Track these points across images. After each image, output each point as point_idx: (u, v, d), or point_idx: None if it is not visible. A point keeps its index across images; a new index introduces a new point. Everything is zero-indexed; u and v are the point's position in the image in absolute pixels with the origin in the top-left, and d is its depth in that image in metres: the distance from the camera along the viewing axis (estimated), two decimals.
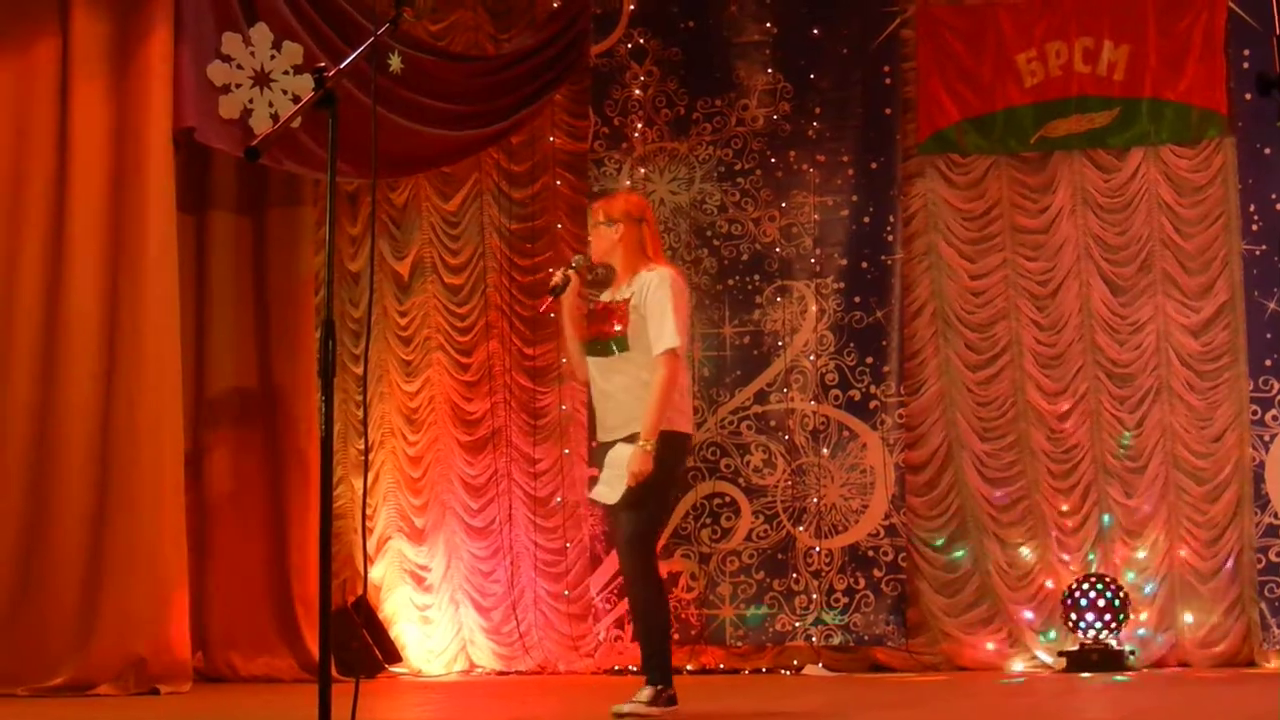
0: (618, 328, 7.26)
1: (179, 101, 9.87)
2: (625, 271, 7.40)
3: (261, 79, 10.04)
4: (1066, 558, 10.75)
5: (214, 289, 11.03)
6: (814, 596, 10.93)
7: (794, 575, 10.98)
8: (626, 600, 7.58)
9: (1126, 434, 10.81)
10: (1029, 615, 10.76)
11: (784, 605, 10.98)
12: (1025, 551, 10.84)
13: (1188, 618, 10.55)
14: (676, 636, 10.99)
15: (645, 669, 7.24)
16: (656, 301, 7.23)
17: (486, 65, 11.46)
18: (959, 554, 10.94)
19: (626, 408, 7.20)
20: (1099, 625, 10.27)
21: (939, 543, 10.97)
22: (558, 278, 7.39)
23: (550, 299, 7.42)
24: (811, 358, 11.12)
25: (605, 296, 7.45)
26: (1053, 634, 10.67)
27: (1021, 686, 9.48)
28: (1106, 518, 10.72)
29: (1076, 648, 10.34)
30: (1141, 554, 10.67)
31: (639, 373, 7.18)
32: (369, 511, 11.64)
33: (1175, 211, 10.82)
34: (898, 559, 10.88)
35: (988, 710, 7.93)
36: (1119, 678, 9.82)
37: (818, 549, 10.99)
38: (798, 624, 10.92)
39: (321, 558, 4.71)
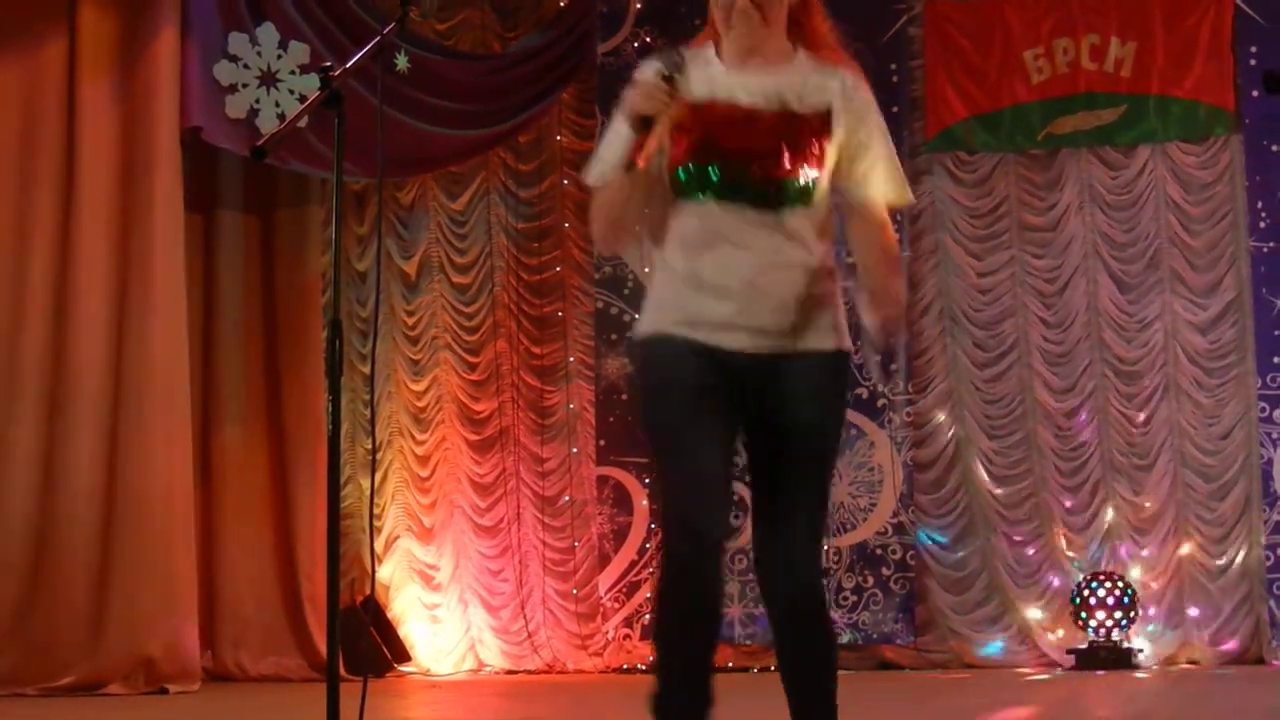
0: (815, 155, 4.08)
1: (186, 101, 9.89)
2: (777, 57, 4.14)
3: (268, 79, 10.04)
4: (1074, 555, 10.75)
5: (221, 288, 11.02)
6: None
7: None
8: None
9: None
10: (1037, 613, 10.75)
11: None
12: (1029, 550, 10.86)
13: (1196, 615, 10.54)
14: None
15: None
16: (873, 117, 4.19)
17: (493, 64, 11.46)
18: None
19: (797, 296, 4.04)
20: (1108, 623, 10.26)
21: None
22: (658, 71, 4.10)
23: (671, 91, 4.03)
24: None
25: (749, 96, 4.09)
26: (1061, 632, 10.66)
27: (1030, 684, 9.47)
28: (1111, 512, 10.72)
29: (1085, 646, 10.33)
30: (1149, 551, 10.66)
31: (811, 247, 4.05)
32: (377, 511, 11.64)
33: (1182, 209, 10.81)
34: (906, 557, 10.88)
35: (998, 708, 7.92)
36: (1142, 674, 9.82)
37: (826, 547, 10.99)
38: None
39: (329, 557, 4.70)
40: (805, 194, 4.09)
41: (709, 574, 4.02)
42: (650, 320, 4.15)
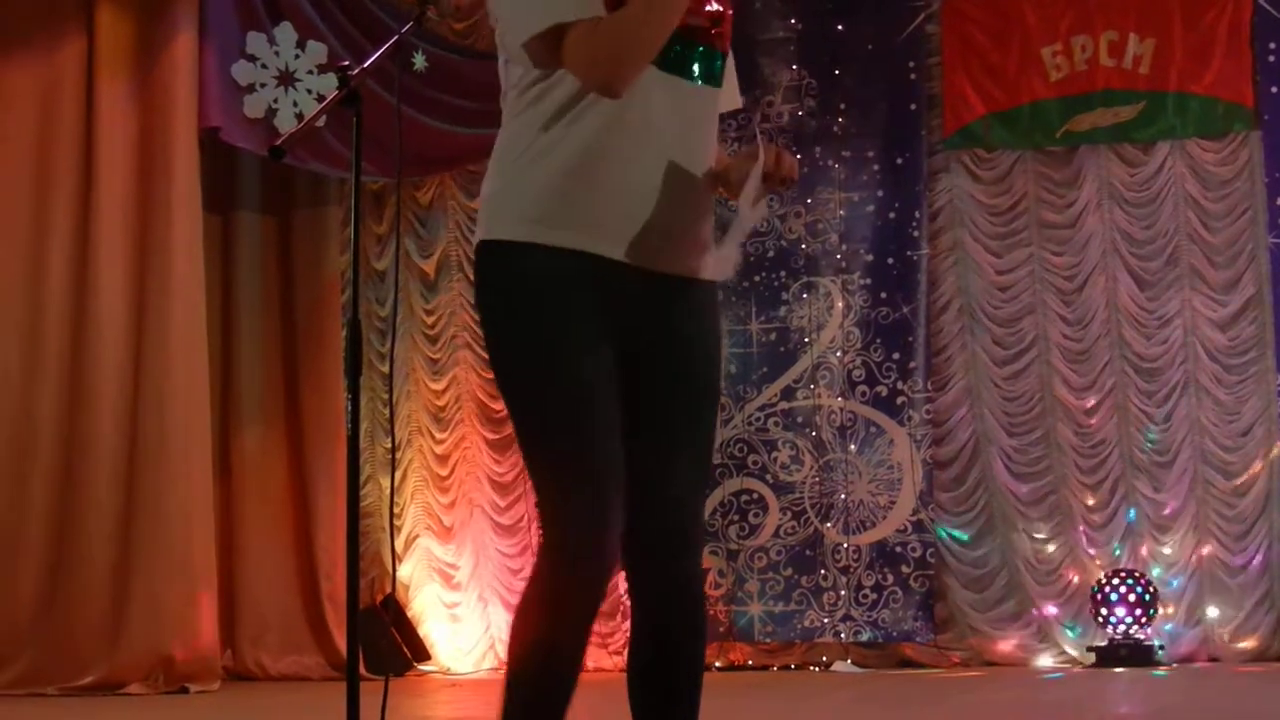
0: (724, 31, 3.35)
1: (204, 101, 9.92)
2: None
3: (286, 79, 10.06)
4: (1094, 552, 10.73)
5: (240, 288, 11.05)
6: (842, 593, 10.92)
7: (822, 572, 10.97)
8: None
9: (1151, 431, 10.78)
10: (1057, 610, 10.73)
11: (812, 602, 10.97)
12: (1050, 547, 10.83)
13: (1216, 612, 10.52)
14: None
15: None
16: None
17: None
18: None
19: (707, 205, 3.33)
20: (1128, 620, 10.24)
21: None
22: None
23: None
24: (838, 354, 11.10)
25: None
26: (1080, 629, 10.65)
27: (1051, 682, 9.46)
28: (1133, 512, 10.69)
29: (1105, 643, 10.31)
30: (1169, 549, 10.64)
31: (715, 144, 3.38)
32: (397, 510, 11.65)
33: (1202, 205, 10.79)
34: (926, 555, 10.87)
35: (1018, 706, 7.91)
36: (1162, 671, 9.80)
37: (846, 545, 10.98)
38: (826, 620, 10.91)
39: (349, 556, 4.70)
40: (722, 72, 3.34)
41: (602, 589, 3.19)
42: (521, 213, 3.26)
